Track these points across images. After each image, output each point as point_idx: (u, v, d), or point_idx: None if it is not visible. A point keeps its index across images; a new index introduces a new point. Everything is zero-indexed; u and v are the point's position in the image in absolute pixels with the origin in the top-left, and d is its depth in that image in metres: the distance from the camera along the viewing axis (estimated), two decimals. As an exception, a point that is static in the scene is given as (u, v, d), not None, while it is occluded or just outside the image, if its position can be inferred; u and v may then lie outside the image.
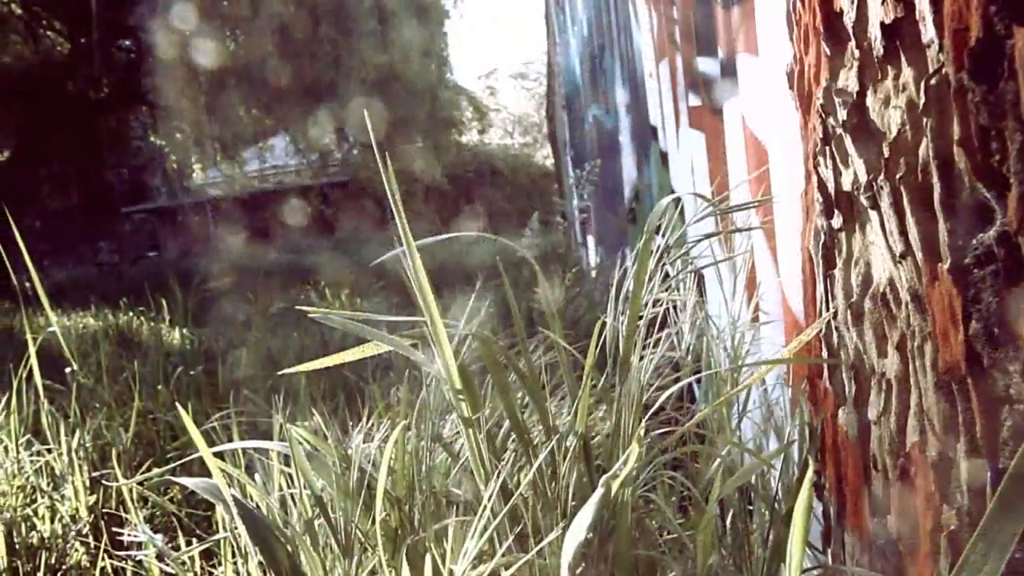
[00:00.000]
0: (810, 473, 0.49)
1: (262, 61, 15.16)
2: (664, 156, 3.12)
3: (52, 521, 2.24)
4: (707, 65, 2.26)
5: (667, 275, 1.14)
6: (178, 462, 2.69)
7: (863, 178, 0.78)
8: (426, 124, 17.52)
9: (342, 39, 15.53)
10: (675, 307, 1.31)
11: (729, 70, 1.99)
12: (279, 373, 0.93)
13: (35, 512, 2.27)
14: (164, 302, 6.15)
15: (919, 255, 0.70)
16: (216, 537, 1.24)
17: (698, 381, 1.35)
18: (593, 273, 5.86)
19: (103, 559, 2.02)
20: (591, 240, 7.18)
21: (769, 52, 1.60)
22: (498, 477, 0.75)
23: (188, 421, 0.85)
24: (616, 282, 1.11)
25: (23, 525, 2.22)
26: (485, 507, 0.71)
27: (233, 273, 10.36)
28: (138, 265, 14.43)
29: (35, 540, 2.21)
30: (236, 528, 1.23)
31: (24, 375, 2.56)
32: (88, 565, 2.18)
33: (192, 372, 3.53)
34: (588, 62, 6.34)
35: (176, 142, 16.52)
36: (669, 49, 2.83)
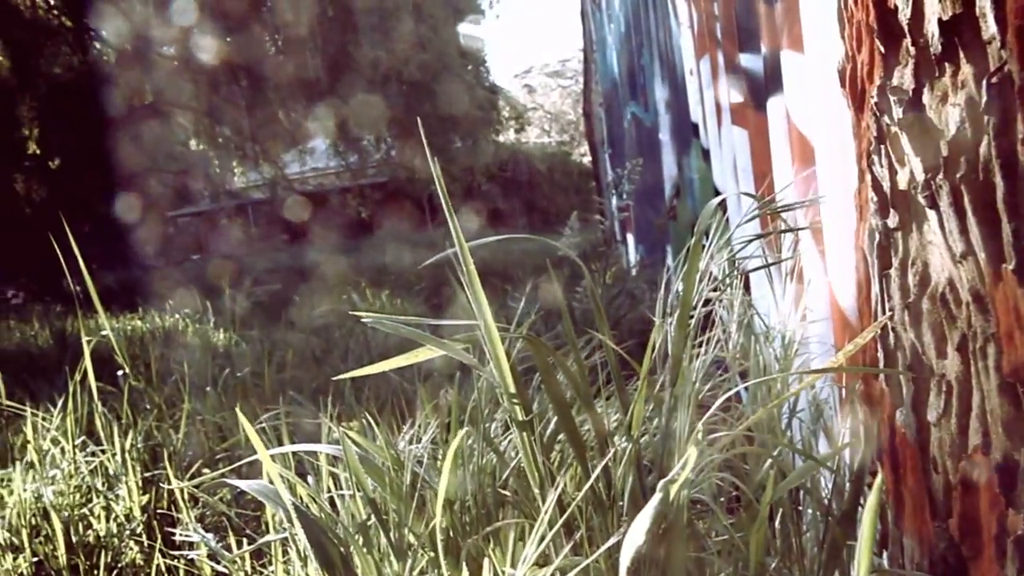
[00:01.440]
0: (879, 481, 0.49)
1: (301, 64, 15.34)
2: (706, 153, 3.10)
3: (107, 520, 2.29)
4: (750, 62, 2.24)
5: (712, 275, 1.13)
6: (228, 463, 2.74)
7: (920, 177, 0.76)
8: (464, 124, 17.57)
9: (380, 41, 15.64)
10: (721, 305, 1.30)
11: (773, 67, 1.97)
12: (334, 378, 0.94)
13: (91, 511, 2.33)
14: (209, 304, 6.26)
15: (981, 255, 0.69)
16: (270, 538, 1.26)
17: (745, 383, 1.34)
18: (633, 272, 5.84)
19: (157, 558, 2.07)
20: (631, 238, 7.15)
21: (815, 48, 1.58)
22: (556, 487, 0.76)
23: (248, 426, 0.87)
24: (664, 282, 1.10)
25: (80, 524, 2.27)
26: (544, 514, 0.72)
27: (275, 275, 10.50)
28: (182, 268, 14.71)
29: (91, 538, 2.27)
30: (287, 528, 1.25)
31: (78, 377, 2.62)
32: (142, 563, 2.23)
33: (239, 374, 3.58)
34: (626, 59, 6.31)
35: (218, 146, 16.78)
36: (710, 46, 2.81)
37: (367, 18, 15.67)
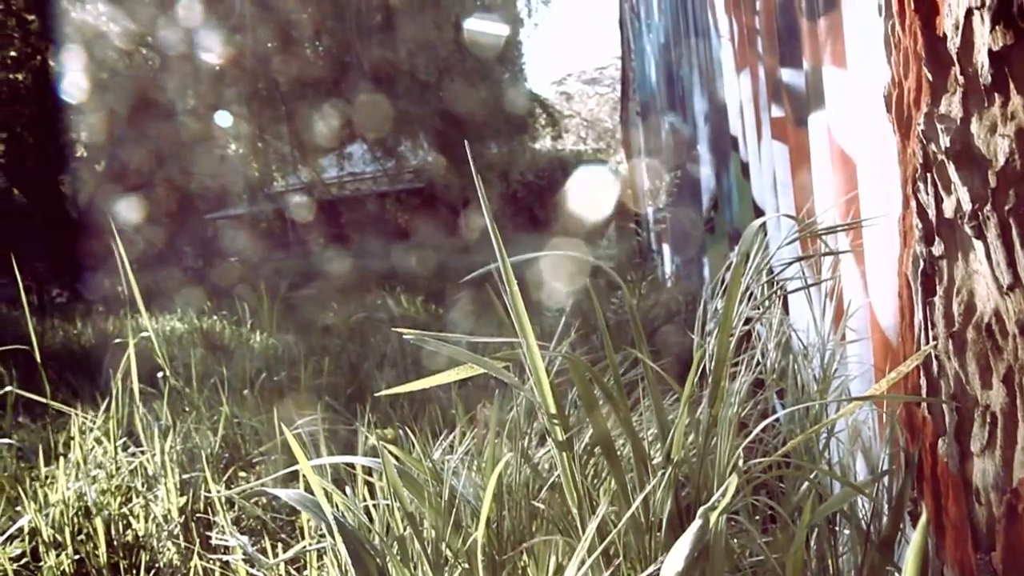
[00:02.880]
0: (925, 518, 0.49)
1: (339, 70, 15.51)
2: (744, 167, 3.08)
3: (146, 520, 2.34)
4: (791, 76, 2.23)
5: (752, 294, 1.13)
6: (264, 467, 2.77)
7: (967, 206, 0.76)
8: (501, 131, 17.62)
9: (417, 47, 15.76)
10: (760, 324, 1.29)
11: (815, 82, 1.96)
12: (375, 395, 0.95)
13: (131, 511, 2.37)
14: (246, 307, 6.34)
15: (1029, 288, 0.68)
16: (309, 547, 1.28)
17: (784, 406, 1.34)
18: (669, 283, 5.81)
19: (194, 559, 2.10)
20: (666, 249, 7.12)
21: (858, 65, 1.57)
22: (597, 513, 0.76)
23: (290, 437, 0.88)
24: (703, 301, 1.10)
25: (120, 523, 2.32)
26: (585, 540, 0.72)
27: (311, 278, 10.61)
28: (221, 270, 14.94)
29: (130, 538, 2.31)
30: (323, 536, 1.27)
31: (120, 378, 2.68)
32: (179, 564, 2.27)
33: (276, 378, 3.63)
34: (664, 69, 6.29)
35: (257, 150, 17.02)
36: (751, 59, 2.79)
37: (405, 24, 15.80)
